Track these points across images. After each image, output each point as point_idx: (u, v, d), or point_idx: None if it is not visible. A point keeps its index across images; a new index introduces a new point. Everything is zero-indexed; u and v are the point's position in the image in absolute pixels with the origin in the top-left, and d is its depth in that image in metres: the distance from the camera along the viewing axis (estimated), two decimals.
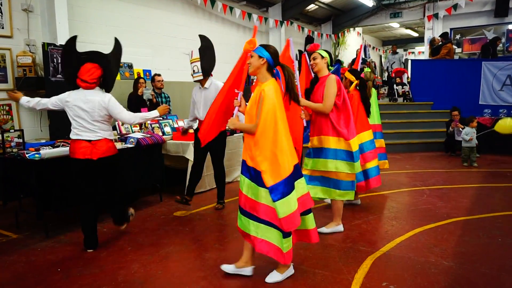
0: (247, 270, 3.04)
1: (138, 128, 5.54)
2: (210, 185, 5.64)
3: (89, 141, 3.50)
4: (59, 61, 5.69)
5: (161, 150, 5.26)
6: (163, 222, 4.42)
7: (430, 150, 8.73)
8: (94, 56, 3.57)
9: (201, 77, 4.62)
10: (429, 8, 12.76)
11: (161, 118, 6.00)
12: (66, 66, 3.63)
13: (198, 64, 4.58)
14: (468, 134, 7.16)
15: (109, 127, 3.65)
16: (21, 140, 4.48)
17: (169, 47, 8.28)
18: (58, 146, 4.23)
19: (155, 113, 3.88)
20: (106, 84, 3.65)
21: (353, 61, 12.13)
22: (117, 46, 3.72)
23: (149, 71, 7.65)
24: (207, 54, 4.65)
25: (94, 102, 3.49)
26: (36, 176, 3.85)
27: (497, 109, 8.89)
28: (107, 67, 3.60)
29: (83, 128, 3.50)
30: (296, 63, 3.78)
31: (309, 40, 12.25)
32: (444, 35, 10.69)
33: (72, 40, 3.61)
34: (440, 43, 10.38)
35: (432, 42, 10.85)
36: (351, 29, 15.47)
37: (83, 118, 3.48)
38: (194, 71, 4.61)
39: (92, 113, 3.48)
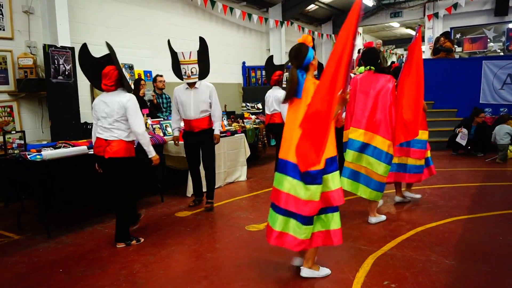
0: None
1: None
2: (217, 183, 5.62)
3: (105, 140, 3.58)
4: (60, 62, 5.71)
5: (162, 151, 5.27)
6: (164, 222, 4.43)
7: (432, 149, 8.64)
8: (108, 60, 3.61)
9: (197, 80, 4.61)
10: (429, 8, 12.77)
11: (162, 119, 6.03)
12: (85, 73, 3.73)
13: (196, 66, 4.58)
14: (507, 133, 7.34)
15: (127, 127, 3.61)
16: (22, 142, 4.50)
17: None
18: (59, 147, 4.23)
19: (152, 152, 3.76)
20: (122, 84, 3.65)
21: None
22: (111, 49, 3.67)
23: (150, 72, 7.67)
24: (206, 57, 4.68)
25: (114, 102, 3.56)
26: (38, 177, 3.86)
27: (497, 108, 8.88)
28: (121, 68, 3.65)
29: (103, 127, 3.60)
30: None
31: None
32: (445, 34, 10.68)
33: (85, 48, 3.67)
34: (447, 47, 10.17)
35: (437, 41, 10.74)
36: None
37: (104, 117, 3.58)
38: (192, 72, 4.57)
39: (111, 113, 3.55)
